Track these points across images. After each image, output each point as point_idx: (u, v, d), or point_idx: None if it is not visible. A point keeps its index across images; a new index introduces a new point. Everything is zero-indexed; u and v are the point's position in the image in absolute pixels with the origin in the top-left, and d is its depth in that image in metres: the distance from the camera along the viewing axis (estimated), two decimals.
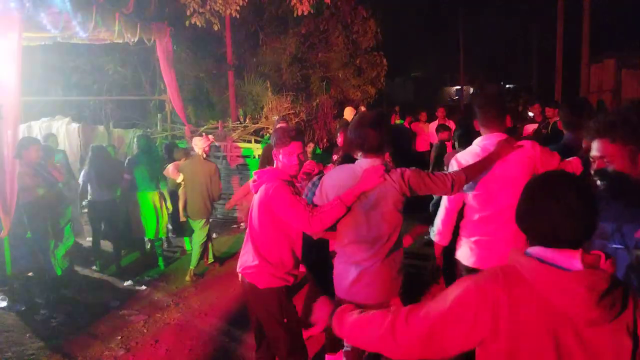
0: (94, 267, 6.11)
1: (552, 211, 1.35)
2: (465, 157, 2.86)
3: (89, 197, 6.13)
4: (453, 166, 2.89)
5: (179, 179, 5.94)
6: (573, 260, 1.31)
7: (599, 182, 1.91)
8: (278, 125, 5.29)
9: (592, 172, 1.93)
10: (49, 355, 4.12)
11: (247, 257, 2.96)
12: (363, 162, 2.67)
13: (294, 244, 2.95)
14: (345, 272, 2.71)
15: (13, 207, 4.49)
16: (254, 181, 2.95)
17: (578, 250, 1.33)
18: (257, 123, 10.30)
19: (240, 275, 3.01)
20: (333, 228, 2.70)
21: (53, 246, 4.90)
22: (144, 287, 5.59)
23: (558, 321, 1.29)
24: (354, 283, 2.66)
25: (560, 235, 1.35)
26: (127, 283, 5.69)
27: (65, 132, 8.61)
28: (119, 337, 4.40)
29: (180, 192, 6.05)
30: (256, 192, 2.94)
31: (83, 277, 5.76)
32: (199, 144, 5.78)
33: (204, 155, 5.81)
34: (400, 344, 1.42)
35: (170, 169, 6.11)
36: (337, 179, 2.76)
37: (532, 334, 1.30)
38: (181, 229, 6.77)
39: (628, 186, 1.86)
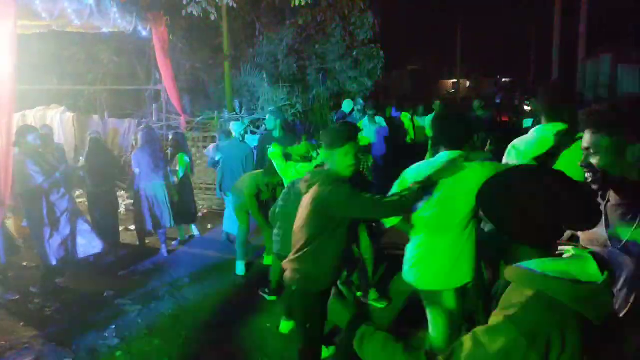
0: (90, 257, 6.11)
1: (554, 205, 1.30)
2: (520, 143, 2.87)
3: (87, 187, 6.13)
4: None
5: (217, 156, 6.58)
6: (588, 268, 1.26)
7: (587, 175, 1.87)
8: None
9: (580, 164, 1.89)
10: (43, 344, 4.13)
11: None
12: (443, 154, 2.78)
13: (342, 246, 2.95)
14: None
15: (7, 197, 4.47)
16: (306, 181, 2.92)
17: (589, 259, 1.28)
18: (253, 114, 10.28)
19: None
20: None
21: (49, 235, 4.89)
22: (138, 278, 5.60)
23: (588, 334, 1.26)
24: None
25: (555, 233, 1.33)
26: (122, 273, 5.70)
27: (59, 121, 8.57)
28: (113, 327, 4.41)
29: (218, 169, 6.56)
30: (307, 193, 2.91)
31: (78, 266, 5.75)
32: (235, 128, 6.46)
33: (241, 138, 6.40)
34: None
35: (210, 148, 6.98)
36: (416, 170, 2.87)
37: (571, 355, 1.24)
38: (179, 217, 6.78)
39: (612, 184, 1.83)
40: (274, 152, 4.99)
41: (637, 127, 1.75)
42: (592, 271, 1.25)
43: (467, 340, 1.28)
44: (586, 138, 1.85)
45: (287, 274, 2.99)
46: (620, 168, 1.78)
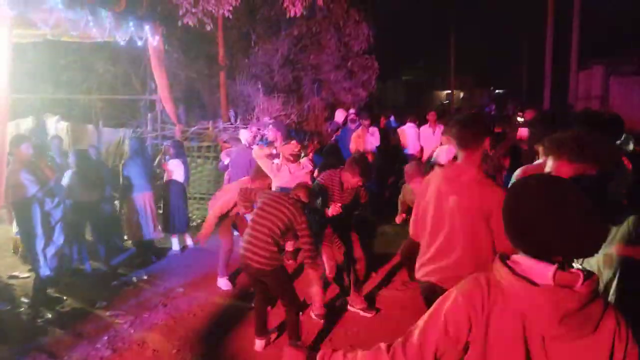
0: (82, 267, 6.06)
1: (548, 224, 1.28)
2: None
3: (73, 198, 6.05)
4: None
5: (226, 161, 7.02)
6: (547, 274, 1.28)
7: None
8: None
9: None
10: (34, 355, 4.08)
11: None
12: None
13: None
14: None
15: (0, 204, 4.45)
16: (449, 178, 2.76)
17: (554, 265, 1.29)
18: (248, 124, 10.29)
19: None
20: None
21: (43, 245, 4.85)
22: (131, 288, 5.56)
23: (529, 332, 1.30)
24: None
25: (552, 252, 1.30)
26: (115, 283, 5.66)
27: (54, 131, 8.55)
28: (106, 338, 4.37)
29: (226, 174, 7.03)
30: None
31: (70, 276, 5.71)
32: (244, 136, 6.88)
33: (247, 145, 6.76)
34: None
35: (222, 154, 7.46)
36: None
37: (504, 341, 1.32)
38: (171, 227, 6.76)
39: None
40: (258, 151, 5.08)
41: (594, 158, 1.85)
42: (547, 274, 1.28)
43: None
44: (549, 164, 1.96)
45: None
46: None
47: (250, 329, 4.51)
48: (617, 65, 14.85)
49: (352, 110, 9.90)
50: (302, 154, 5.54)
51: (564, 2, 15.62)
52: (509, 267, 1.33)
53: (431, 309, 1.44)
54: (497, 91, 33.42)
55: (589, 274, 1.30)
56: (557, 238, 1.27)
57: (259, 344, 4.16)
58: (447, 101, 33.13)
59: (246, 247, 3.93)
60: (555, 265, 1.28)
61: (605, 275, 2.00)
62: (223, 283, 5.49)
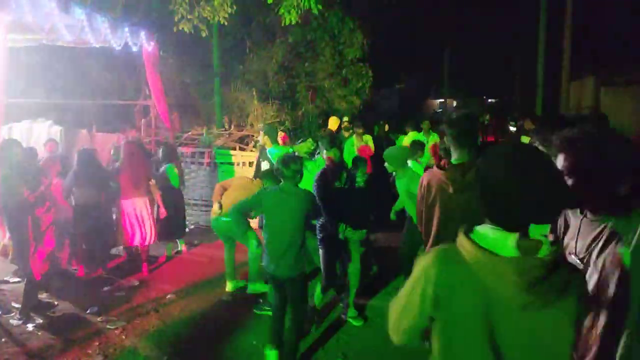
0: (74, 271, 6.04)
1: (531, 190, 1.33)
2: None
3: (73, 201, 6.05)
4: None
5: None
6: (510, 244, 1.33)
7: None
8: None
9: None
10: None
11: None
12: None
13: None
14: None
15: None
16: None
17: (514, 234, 1.33)
18: (242, 130, 10.31)
19: None
20: None
21: (34, 250, 4.83)
22: (123, 294, 5.54)
23: (493, 302, 1.33)
24: None
25: (517, 216, 1.35)
26: (107, 289, 5.63)
27: (47, 136, 8.50)
28: (97, 344, 4.35)
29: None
30: None
31: (62, 282, 5.67)
32: (263, 139, 6.86)
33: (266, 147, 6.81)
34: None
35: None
36: None
37: (465, 312, 1.35)
38: (167, 233, 6.73)
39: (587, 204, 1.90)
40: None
41: (603, 154, 1.83)
42: (508, 244, 1.33)
43: None
44: (560, 161, 1.93)
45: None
46: (591, 192, 1.86)
47: (242, 336, 4.51)
48: (608, 75, 15.01)
49: (345, 118, 9.95)
50: (318, 152, 5.51)
51: (556, 13, 15.81)
52: (472, 241, 1.36)
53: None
54: (489, 100, 33.68)
55: (553, 242, 1.35)
56: (521, 202, 1.33)
57: (272, 354, 3.99)
58: (440, 109, 33.32)
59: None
60: (517, 234, 1.33)
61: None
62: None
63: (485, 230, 1.39)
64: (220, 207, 5.38)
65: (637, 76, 13.48)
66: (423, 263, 1.44)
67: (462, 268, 1.35)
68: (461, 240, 1.39)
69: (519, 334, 1.33)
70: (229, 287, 5.55)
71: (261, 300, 5.13)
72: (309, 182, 4.76)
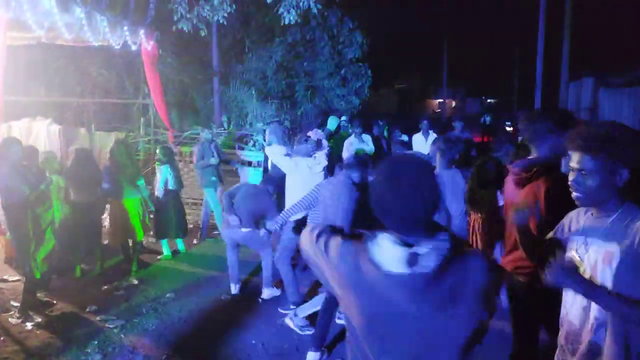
0: (75, 271, 6.04)
1: (388, 194, 1.40)
2: None
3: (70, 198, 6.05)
4: None
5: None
6: (399, 260, 1.36)
7: (574, 194, 1.96)
8: None
9: (569, 182, 1.96)
10: (24, 359, 4.06)
11: None
12: None
13: None
14: None
15: None
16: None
17: (404, 250, 1.36)
18: (241, 129, 10.31)
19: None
20: None
21: (33, 249, 4.83)
22: (122, 292, 5.54)
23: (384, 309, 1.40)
24: None
25: (402, 217, 1.41)
26: (105, 288, 5.63)
27: (46, 134, 8.48)
28: (96, 342, 4.35)
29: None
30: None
31: (61, 281, 5.67)
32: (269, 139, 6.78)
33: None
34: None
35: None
36: None
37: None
38: (162, 232, 6.73)
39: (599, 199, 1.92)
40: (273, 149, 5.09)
41: (626, 152, 1.82)
42: (391, 261, 1.37)
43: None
44: (579, 160, 1.90)
45: None
46: (607, 190, 1.87)
47: (241, 335, 4.52)
48: (606, 77, 15.04)
49: (344, 117, 9.95)
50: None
51: (555, 14, 15.84)
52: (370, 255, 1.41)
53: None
54: (488, 100, 33.73)
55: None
56: (392, 210, 1.40)
57: (314, 356, 4.00)
58: (439, 110, 33.36)
59: None
60: (406, 251, 1.36)
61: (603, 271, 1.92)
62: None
63: (384, 242, 1.41)
64: (240, 219, 5.28)
65: (635, 77, 13.52)
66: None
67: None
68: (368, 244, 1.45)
69: (409, 338, 1.40)
70: (234, 289, 5.48)
71: (260, 300, 5.14)
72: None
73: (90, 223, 6.10)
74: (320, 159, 5.19)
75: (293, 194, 5.05)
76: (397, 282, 1.35)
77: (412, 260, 1.34)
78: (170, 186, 6.63)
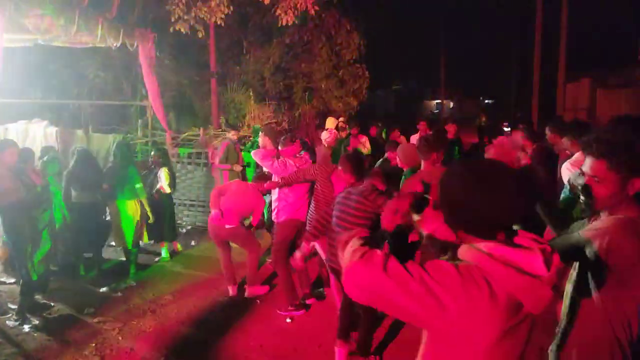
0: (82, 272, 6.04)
1: (493, 201, 1.35)
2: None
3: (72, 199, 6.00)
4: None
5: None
6: (535, 262, 1.32)
7: (582, 199, 1.94)
8: None
9: (580, 187, 1.94)
10: None
11: None
12: None
13: None
14: None
15: None
16: None
17: (538, 254, 1.33)
18: (239, 131, 10.30)
19: None
20: None
21: (30, 250, 4.81)
22: (120, 294, 5.52)
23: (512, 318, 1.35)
24: None
25: (501, 223, 1.38)
26: (103, 290, 5.62)
27: (43, 136, 8.46)
28: (93, 345, 4.33)
29: None
30: None
31: (58, 283, 5.65)
32: (324, 136, 7.12)
33: (326, 145, 7.01)
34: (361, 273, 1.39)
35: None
36: None
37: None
38: (160, 235, 6.72)
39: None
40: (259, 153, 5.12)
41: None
42: (537, 265, 1.32)
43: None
44: (593, 167, 1.86)
45: None
46: (619, 198, 1.84)
47: (238, 337, 4.51)
48: (603, 77, 15.09)
49: (341, 118, 9.95)
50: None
51: (552, 15, 15.88)
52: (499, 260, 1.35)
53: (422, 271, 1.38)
54: (486, 101, 33.79)
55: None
56: (489, 213, 1.36)
57: (341, 352, 3.98)
58: (437, 110, 33.41)
59: (334, 251, 3.82)
60: (540, 253, 1.33)
61: None
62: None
63: (497, 249, 1.36)
64: (222, 214, 5.30)
65: (632, 78, 13.56)
66: (467, 286, 1.34)
67: (484, 289, 1.33)
68: (487, 260, 1.35)
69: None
70: (232, 291, 5.44)
71: (258, 302, 5.14)
72: None
73: (95, 223, 6.09)
74: (306, 157, 5.18)
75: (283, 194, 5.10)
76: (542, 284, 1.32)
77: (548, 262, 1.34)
78: (167, 189, 6.64)
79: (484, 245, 1.38)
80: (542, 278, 1.32)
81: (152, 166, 6.92)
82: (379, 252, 1.42)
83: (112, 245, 6.99)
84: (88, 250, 6.18)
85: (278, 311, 4.96)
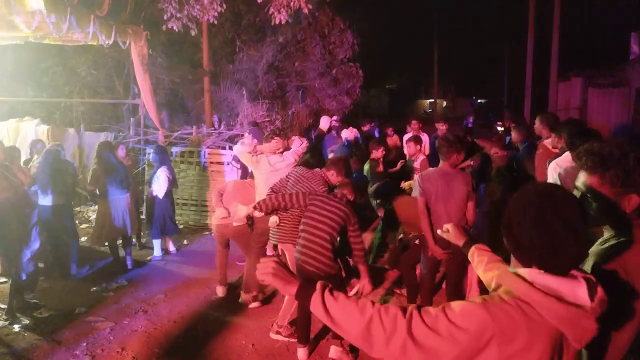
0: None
1: (557, 232, 1.27)
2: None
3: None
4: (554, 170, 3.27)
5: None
6: (579, 291, 1.28)
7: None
8: None
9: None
10: None
11: None
12: None
13: None
14: None
15: None
16: None
17: (582, 283, 1.28)
18: (232, 130, 10.27)
19: None
20: None
21: (19, 250, 4.77)
22: (111, 294, 5.49)
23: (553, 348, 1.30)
24: None
25: (561, 259, 1.29)
26: (95, 289, 5.59)
27: (34, 135, 8.42)
28: (84, 344, 4.31)
29: None
30: None
31: (49, 282, 5.62)
32: (345, 134, 7.40)
33: (345, 142, 7.32)
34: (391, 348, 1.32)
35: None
36: None
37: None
38: (157, 231, 6.69)
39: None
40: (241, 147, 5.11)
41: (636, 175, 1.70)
42: (581, 294, 1.27)
43: (434, 311, 1.33)
44: (583, 179, 1.77)
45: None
46: (614, 218, 1.75)
47: (231, 336, 4.50)
48: (595, 77, 15.18)
49: (335, 117, 9.95)
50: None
51: (545, 15, 15.96)
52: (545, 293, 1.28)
53: (450, 313, 1.31)
54: (478, 101, 33.91)
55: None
56: (568, 246, 1.27)
57: (301, 352, 4.04)
58: (430, 110, 33.49)
59: (303, 252, 3.84)
60: (584, 282, 1.28)
61: None
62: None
63: (538, 276, 1.31)
64: (228, 212, 5.19)
65: (623, 77, 13.66)
66: (499, 319, 1.27)
67: (537, 320, 1.27)
68: (530, 293, 1.29)
69: None
70: (221, 292, 5.41)
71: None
72: None
73: (60, 227, 5.91)
74: (287, 156, 5.15)
75: (259, 189, 5.09)
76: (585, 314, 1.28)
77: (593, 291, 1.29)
78: (170, 187, 6.63)
79: (526, 272, 1.33)
80: (585, 309, 1.26)
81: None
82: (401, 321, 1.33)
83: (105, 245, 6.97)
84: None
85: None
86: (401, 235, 5.59)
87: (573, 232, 1.27)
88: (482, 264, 1.84)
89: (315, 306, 1.44)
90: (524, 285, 1.29)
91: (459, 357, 1.27)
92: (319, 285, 1.46)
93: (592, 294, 1.26)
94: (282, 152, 5.18)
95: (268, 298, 5.28)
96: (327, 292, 1.44)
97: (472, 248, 1.98)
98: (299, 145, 5.27)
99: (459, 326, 1.27)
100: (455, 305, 1.33)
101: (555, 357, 1.29)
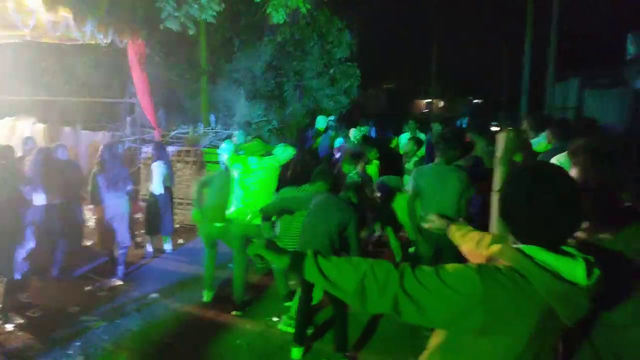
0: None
1: (551, 204, 1.33)
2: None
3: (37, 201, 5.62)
4: None
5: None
6: (576, 269, 1.31)
7: None
8: None
9: None
10: None
11: None
12: None
13: None
14: None
15: None
16: None
17: (580, 262, 1.32)
18: (229, 129, 10.28)
19: None
20: None
21: (12, 249, 4.77)
22: (105, 293, 5.50)
23: (548, 325, 1.34)
24: None
25: (558, 229, 1.35)
26: (89, 288, 5.59)
27: (30, 133, 8.41)
28: (78, 344, 4.31)
29: None
30: None
31: (43, 281, 5.62)
32: (354, 134, 7.77)
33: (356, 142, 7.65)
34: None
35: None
36: None
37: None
38: (153, 228, 6.69)
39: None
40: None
41: (631, 172, 1.73)
42: (578, 273, 1.31)
43: (428, 269, 1.40)
44: (575, 174, 1.75)
45: None
46: (609, 211, 1.72)
47: (225, 335, 4.51)
48: (592, 77, 15.23)
49: (332, 117, 9.96)
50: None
51: (543, 16, 15.98)
52: (541, 265, 1.33)
53: (442, 273, 1.38)
54: (475, 101, 33.95)
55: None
56: (560, 219, 1.33)
57: (296, 352, 4.07)
58: (427, 110, 33.50)
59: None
60: (584, 262, 1.32)
61: None
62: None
63: (538, 252, 1.35)
64: (202, 213, 5.13)
65: (619, 78, 13.69)
66: (488, 284, 1.32)
67: (531, 295, 1.31)
68: (529, 267, 1.33)
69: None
70: (207, 297, 5.28)
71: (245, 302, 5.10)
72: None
73: (57, 225, 5.79)
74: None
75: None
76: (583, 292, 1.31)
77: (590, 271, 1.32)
78: (166, 183, 6.63)
79: (526, 248, 1.37)
80: (580, 286, 1.29)
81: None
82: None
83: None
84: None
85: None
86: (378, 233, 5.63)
87: (567, 204, 1.33)
88: (462, 236, 1.96)
89: (309, 270, 1.51)
90: (523, 258, 1.34)
91: (445, 315, 1.34)
92: (309, 251, 1.54)
93: (589, 274, 1.31)
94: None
95: (261, 299, 5.29)
96: (319, 256, 1.53)
97: (452, 226, 2.09)
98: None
99: (449, 285, 1.33)
100: (450, 266, 1.39)
101: (541, 333, 1.33)
